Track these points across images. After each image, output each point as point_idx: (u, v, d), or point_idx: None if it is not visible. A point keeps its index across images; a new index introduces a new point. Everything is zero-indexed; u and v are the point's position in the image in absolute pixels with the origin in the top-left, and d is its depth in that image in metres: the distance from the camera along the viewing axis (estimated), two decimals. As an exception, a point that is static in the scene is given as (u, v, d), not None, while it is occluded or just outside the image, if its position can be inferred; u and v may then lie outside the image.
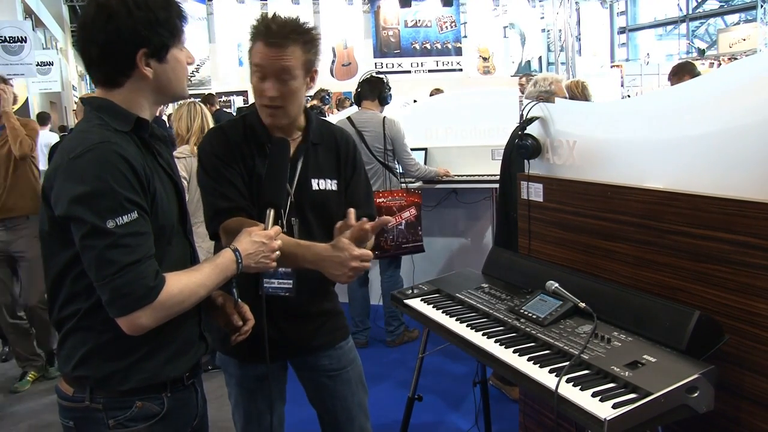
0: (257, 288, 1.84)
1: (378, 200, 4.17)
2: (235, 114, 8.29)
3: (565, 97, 3.30)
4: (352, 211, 1.79)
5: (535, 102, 2.52)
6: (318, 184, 1.95)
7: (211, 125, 3.84)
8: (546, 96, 3.18)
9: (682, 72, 4.79)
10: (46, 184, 1.38)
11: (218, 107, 10.88)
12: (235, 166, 1.86)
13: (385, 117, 4.39)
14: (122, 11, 1.37)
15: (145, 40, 1.39)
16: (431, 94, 9.21)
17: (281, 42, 1.77)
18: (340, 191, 1.99)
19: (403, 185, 4.53)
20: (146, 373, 1.45)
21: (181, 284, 1.40)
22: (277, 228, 1.65)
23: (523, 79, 8.87)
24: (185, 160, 3.74)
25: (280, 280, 1.89)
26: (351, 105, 8.19)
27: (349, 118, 4.46)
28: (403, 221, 4.29)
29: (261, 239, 1.58)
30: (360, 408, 2.11)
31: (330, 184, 1.97)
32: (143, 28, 1.38)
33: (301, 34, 1.80)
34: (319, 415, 2.14)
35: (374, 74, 4.57)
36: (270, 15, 1.83)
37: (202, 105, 4.21)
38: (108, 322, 1.36)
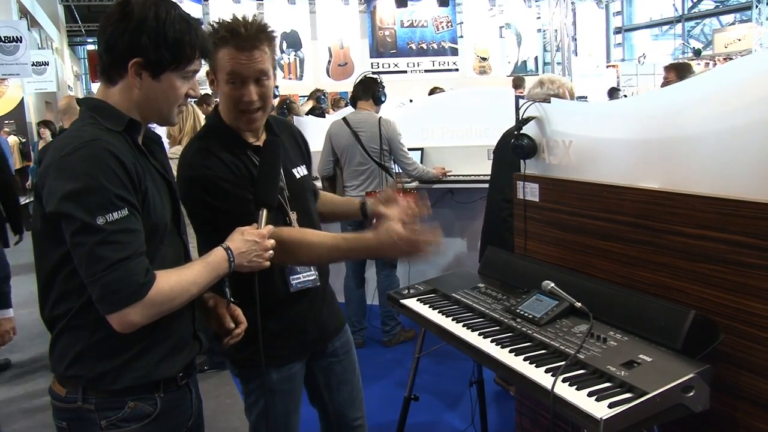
0: (286, 287, 1.90)
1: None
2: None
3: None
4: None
5: (531, 102, 2.52)
6: (298, 172, 1.99)
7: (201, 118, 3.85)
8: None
9: (677, 70, 4.83)
10: (39, 181, 1.39)
11: (213, 107, 10.85)
12: (234, 176, 1.82)
13: (381, 117, 4.39)
14: (139, 16, 1.39)
15: (144, 51, 1.39)
16: (431, 92, 9.19)
17: (255, 44, 1.74)
18: (309, 174, 2.07)
19: (399, 185, 4.52)
20: (139, 372, 1.45)
21: (172, 282, 1.40)
22: (270, 227, 1.65)
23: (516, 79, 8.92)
24: (178, 161, 3.73)
25: (305, 273, 1.94)
26: (346, 105, 8.18)
27: (344, 118, 4.46)
28: (399, 221, 4.29)
29: (254, 238, 1.58)
30: (360, 391, 2.18)
31: (303, 170, 2.03)
32: (147, 39, 1.39)
33: (266, 31, 1.78)
34: (322, 407, 2.15)
35: (368, 75, 4.58)
36: (223, 19, 1.77)
37: (194, 105, 4.20)
38: (100, 321, 1.36)
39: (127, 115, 1.44)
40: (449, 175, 4.89)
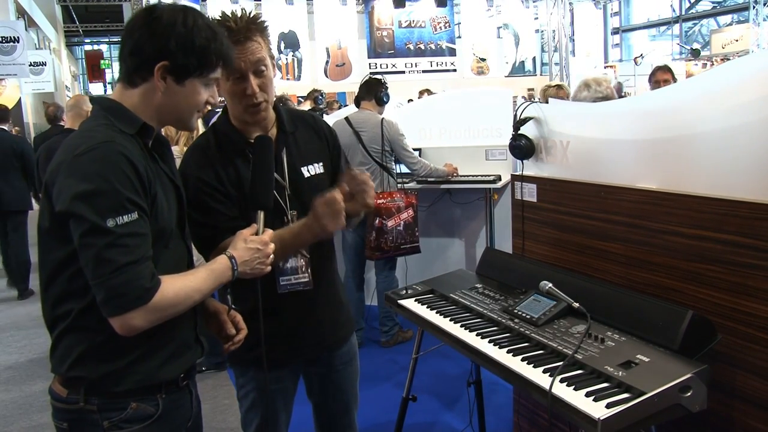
0: (275, 288, 1.87)
1: (378, 201, 4.16)
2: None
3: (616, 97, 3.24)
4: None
5: (528, 102, 2.52)
6: (308, 171, 1.96)
7: (200, 126, 3.85)
8: (602, 100, 3.12)
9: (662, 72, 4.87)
10: (49, 179, 1.38)
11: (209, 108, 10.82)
12: (220, 184, 1.82)
13: (383, 118, 4.40)
14: (167, 21, 1.41)
15: (171, 55, 1.41)
16: (420, 94, 9.21)
17: (247, 35, 1.76)
18: (327, 171, 2.00)
19: (400, 185, 4.54)
20: (141, 375, 1.45)
21: (176, 287, 1.40)
22: (270, 232, 1.65)
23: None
24: (175, 161, 3.75)
25: (296, 276, 1.91)
26: (339, 107, 8.17)
27: (346, 118, 4.46)
28: (402, 222, 4.31)
29: (256, 245, 1.58)
30: (356, 399, 2.17)
31: (318, 168, 1.98)
32: (175, 43, 1.41)
33: (257, 22, 1.80)
34: (316, 406, 2.16)
35: (373, 76, 4.61)
36: (213, 17, 1.74)
37: None
38: (103, 323, 1.35)
39: (141, 118, 1.45)
40: (458, 175, 4.84)
